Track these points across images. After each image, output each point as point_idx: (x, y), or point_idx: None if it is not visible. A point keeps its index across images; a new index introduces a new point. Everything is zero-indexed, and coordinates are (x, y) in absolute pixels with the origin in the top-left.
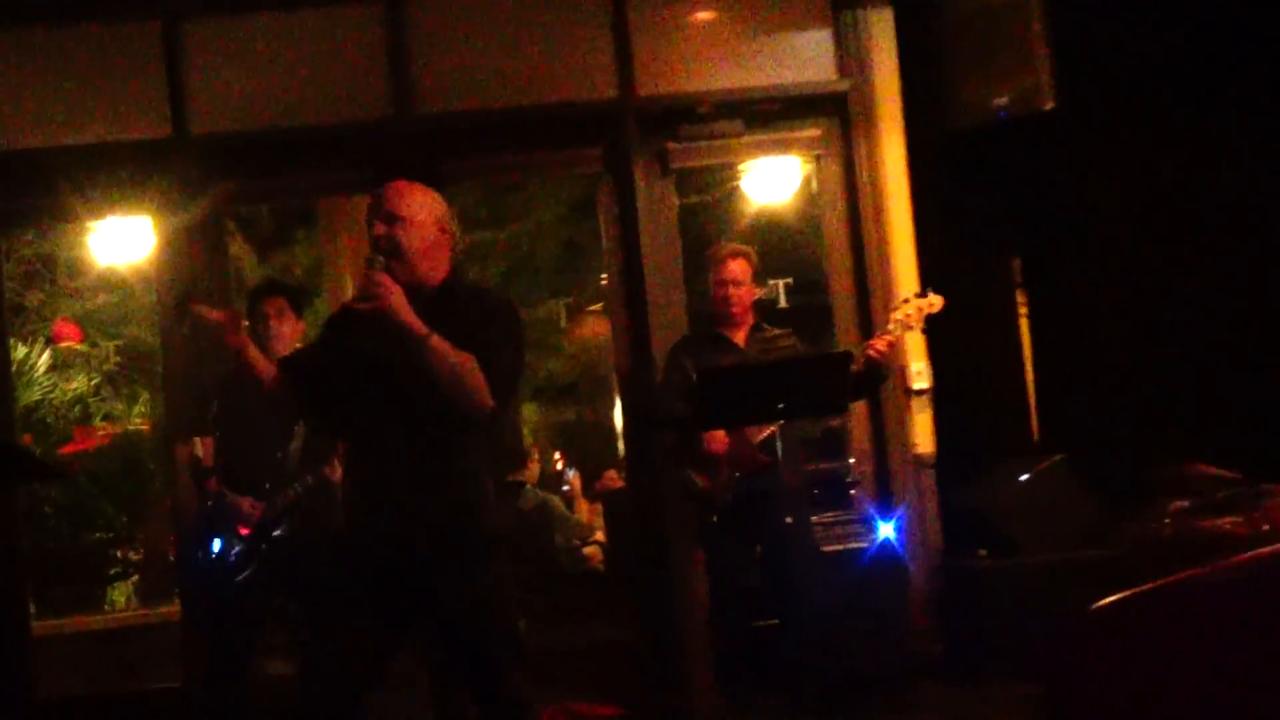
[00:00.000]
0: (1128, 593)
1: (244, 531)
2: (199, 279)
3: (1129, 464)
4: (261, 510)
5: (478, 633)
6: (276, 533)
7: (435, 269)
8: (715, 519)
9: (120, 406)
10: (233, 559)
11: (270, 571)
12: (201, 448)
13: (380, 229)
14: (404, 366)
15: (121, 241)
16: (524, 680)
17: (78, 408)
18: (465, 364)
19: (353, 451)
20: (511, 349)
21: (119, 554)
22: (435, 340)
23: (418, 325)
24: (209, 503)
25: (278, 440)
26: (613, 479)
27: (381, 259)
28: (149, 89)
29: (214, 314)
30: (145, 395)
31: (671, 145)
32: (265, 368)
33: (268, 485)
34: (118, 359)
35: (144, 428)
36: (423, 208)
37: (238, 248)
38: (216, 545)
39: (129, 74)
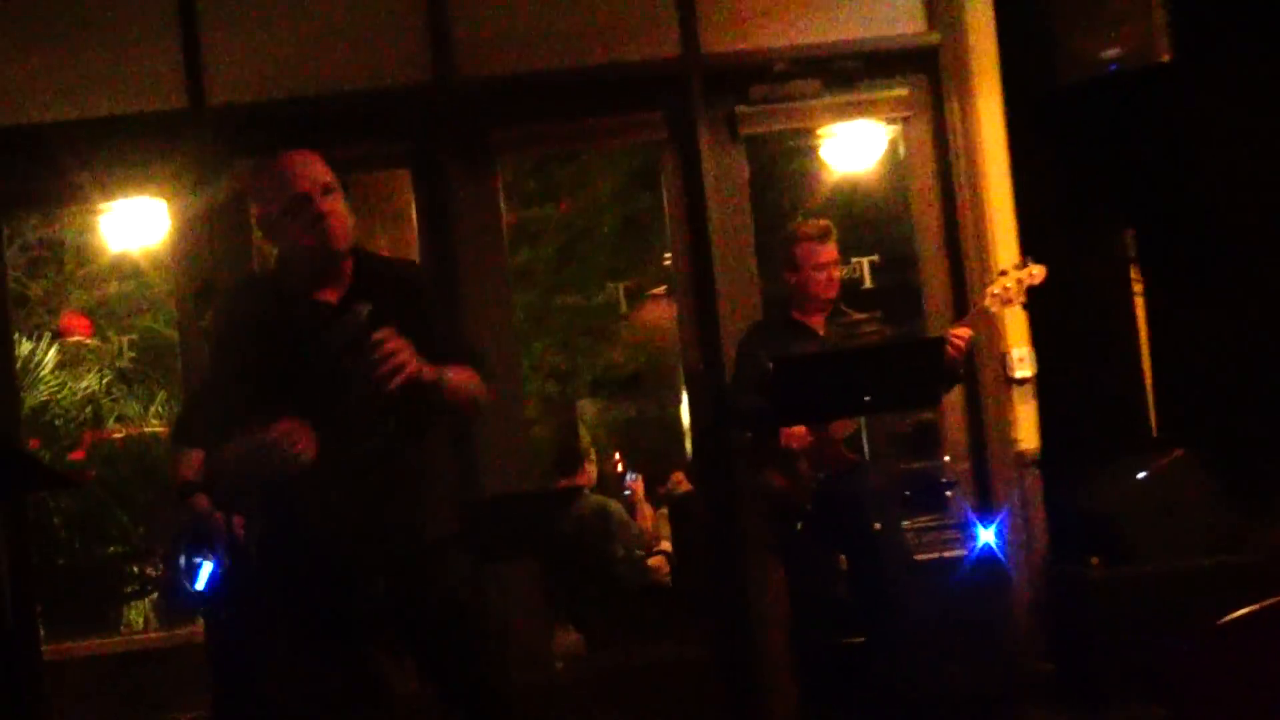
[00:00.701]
0: (1264, 604)
1: (229, 551)
2: (220, 266)
3: (1263, 459)
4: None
5: (449, 643)
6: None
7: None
8: (796, 525)
9: (135, 407)
10: (221, 585)
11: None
12: (189, 463)
13: (323, 202)
14: (362, 377)
15: (135, 225)
16: (509, 682)
17: (89, 408)
18: (469, 380)
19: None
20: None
21: (135, 569)
22: (447, 376)
23: (432, 373)
24: (194, 522)
25: None
26: (679, 482)
27: (365, 309)
28: (162, 56)
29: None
30: (162, 394)
31: (741, 108)
32: None
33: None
34: (132, 354)
35: (161, 430)
36: (319, 170)
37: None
38: (206, 570)
39: (140, 39)
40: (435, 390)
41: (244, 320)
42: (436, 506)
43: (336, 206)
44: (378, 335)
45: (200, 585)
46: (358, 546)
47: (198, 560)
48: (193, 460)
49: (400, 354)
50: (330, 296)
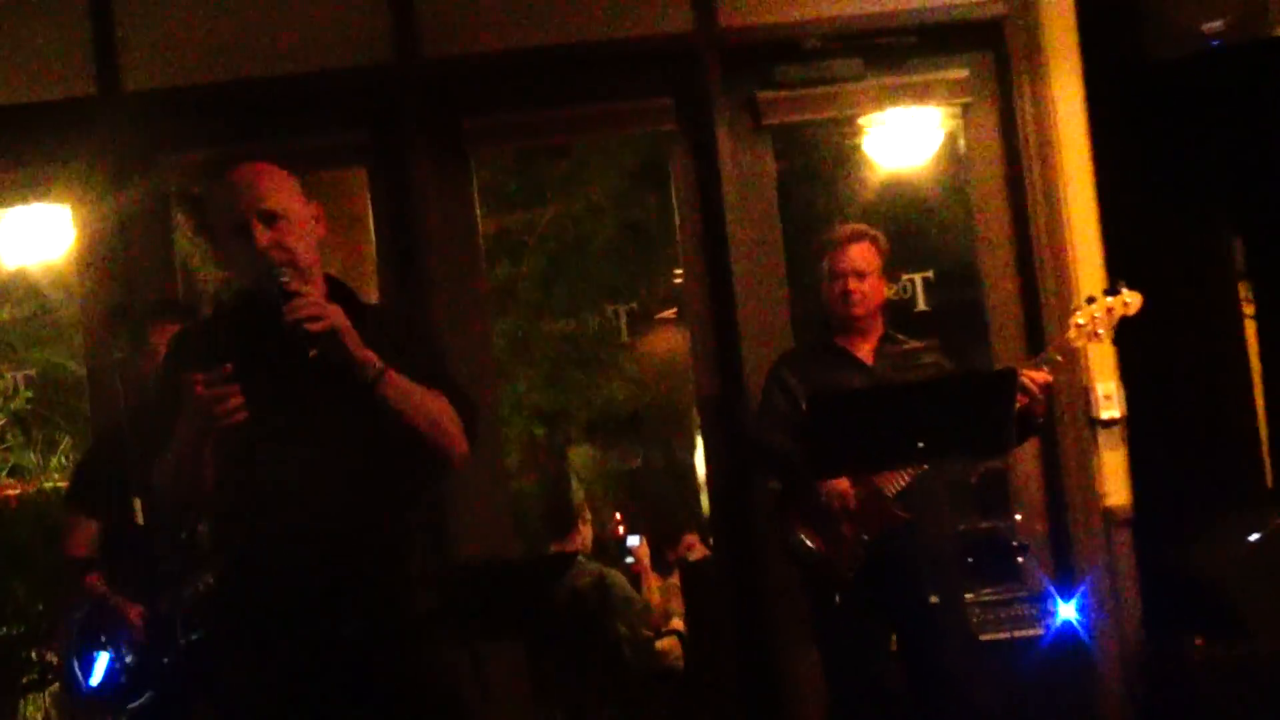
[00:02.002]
0: None
1: (133, 646)
2: (137, 285)
3: None
4: (154, 616)
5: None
6: (186, 639)
7: (318, 277)
8: (835, 598)
9: (33, 458)
10: (123, 679)
11: (182, 691)
12: (82, 536)
13: (263, 236)
14: (329, 410)
15: (31, 236)
16: None
17: None
18: (434, 402)
19: (236, 525)
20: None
21: (34, 655)
22: (393, 375)
23: (371, 356)
24: (87, 607)
25: (180, 517)
26: (693, 546)
27: (287, 269)
28: (66, 31)
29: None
30: (67, 442)
31: (766, 93)
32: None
33: (172, 576)
34: (28, 394)
35: (64, 485)
36: (295, 194)
37: (187, 241)
38: (101, 663)
39: (38, 10)
40: (371, 381)
41: (199, 343)
42: (413, 574)
43: (291, 231)
44: (302, 289)
45: (94, 680)
46: (334, 573)
47: (93, 653)
48: (86, 532)
49: (320, 303)
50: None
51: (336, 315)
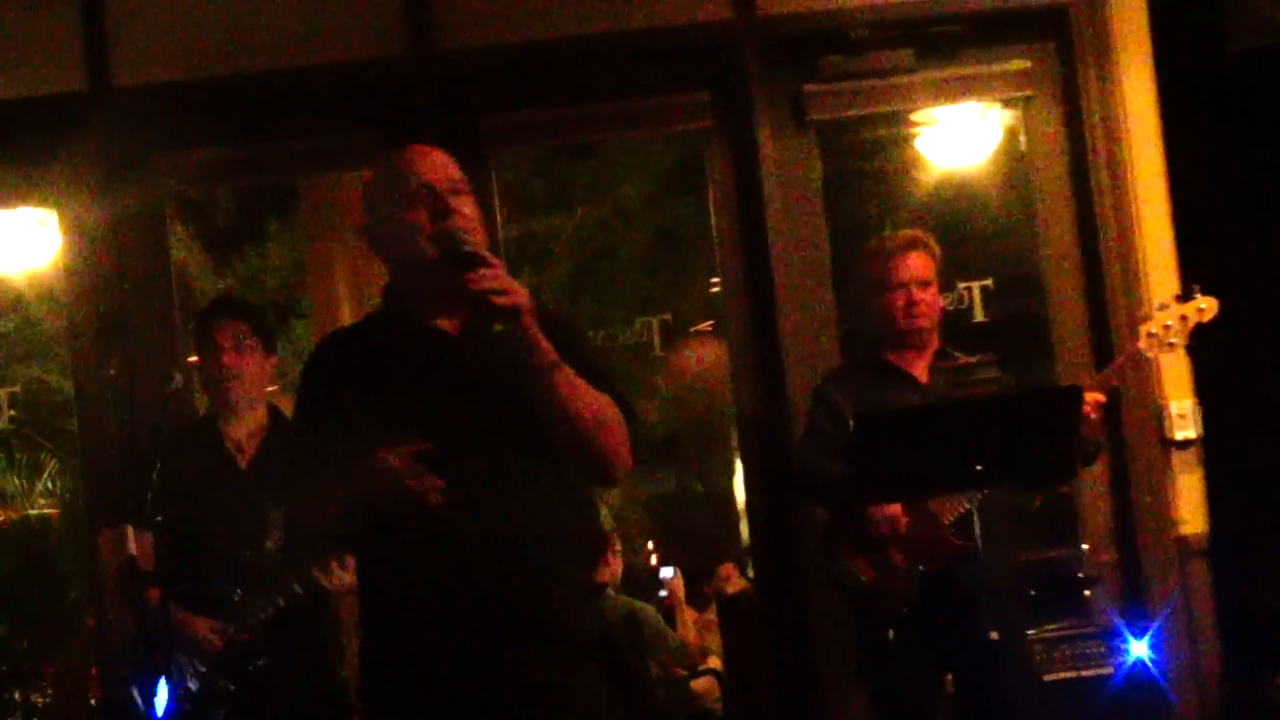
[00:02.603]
0: None
1: (202, 665)
2: (129, 295)
3: None
4: (228, 634)
5: None
6: (252, 665)
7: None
8: (888, 634)
9: (16, 482)
10: (186, 706)
11: None
12: (134, 542)
13: (460, 204)
14: (502, 415)
15: (15, 243)
16: None
17: None
18: (605, 407)
19: (391, 547)
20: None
21: (17, 695)
22: (568, 370)
23: (549, 347)
24: (149, 624)
25: (249, 532)
26: (732, 578)
27: (470, 237)
28: (53, 21)
29: None
30: (53, 465)
31: (810, 87)
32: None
33: (236, 597)
34: (12, 412)
35: (51, 513)
36: (449, 166)
37: (184, 249)
38: (162, 686)
39: (23, 4)
40: (545, 372)
41: (347, 358)
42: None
43: (467, 209)
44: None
45: (159, 709)
46: (503, 594)
47: (153, 672)
48: (145, 546)
49: (509, 282)
50: (448, 325)
51: (523, 293)
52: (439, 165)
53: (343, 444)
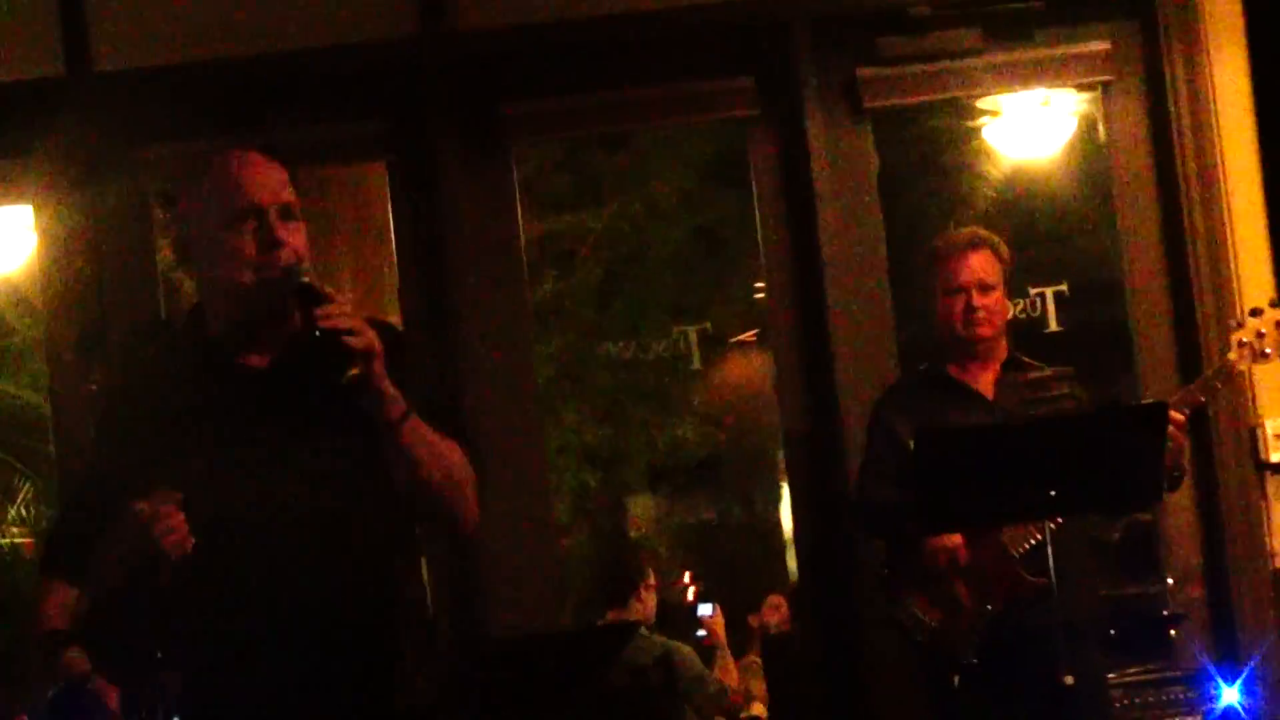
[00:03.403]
0: None
1: None
2: (113, 302)
3: None
4: (134, 699)
5: None
6: None
7: None
8: (952, 679)
9: None
10: None
11: None
12: (58, 603)
13: (282, 230)
14: (320, 461)
15: None
16: None
17: None
18: (452, 455)
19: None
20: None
21: None
22: (416, 420)
23: (399, 396)
24: (61, 688)
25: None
26: (777, 615)
27: (308, 270)
28: (29, 1)
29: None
30: (28, 488)
31: (866, 71)
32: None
33: (157, 658)
34: None
35: (25, 541)
36: (288, 187)
37: (170, 251)
38: None
39: None
40: (394, 424)
41: (147, 386)
42: (411, 659)
43: (297, 238)
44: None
45: None
46: (318, 661)
47: None
48: (63, 598)
49: (358, 320)
50: (258, 360)
51: (371, 333)
52: (270, 185)
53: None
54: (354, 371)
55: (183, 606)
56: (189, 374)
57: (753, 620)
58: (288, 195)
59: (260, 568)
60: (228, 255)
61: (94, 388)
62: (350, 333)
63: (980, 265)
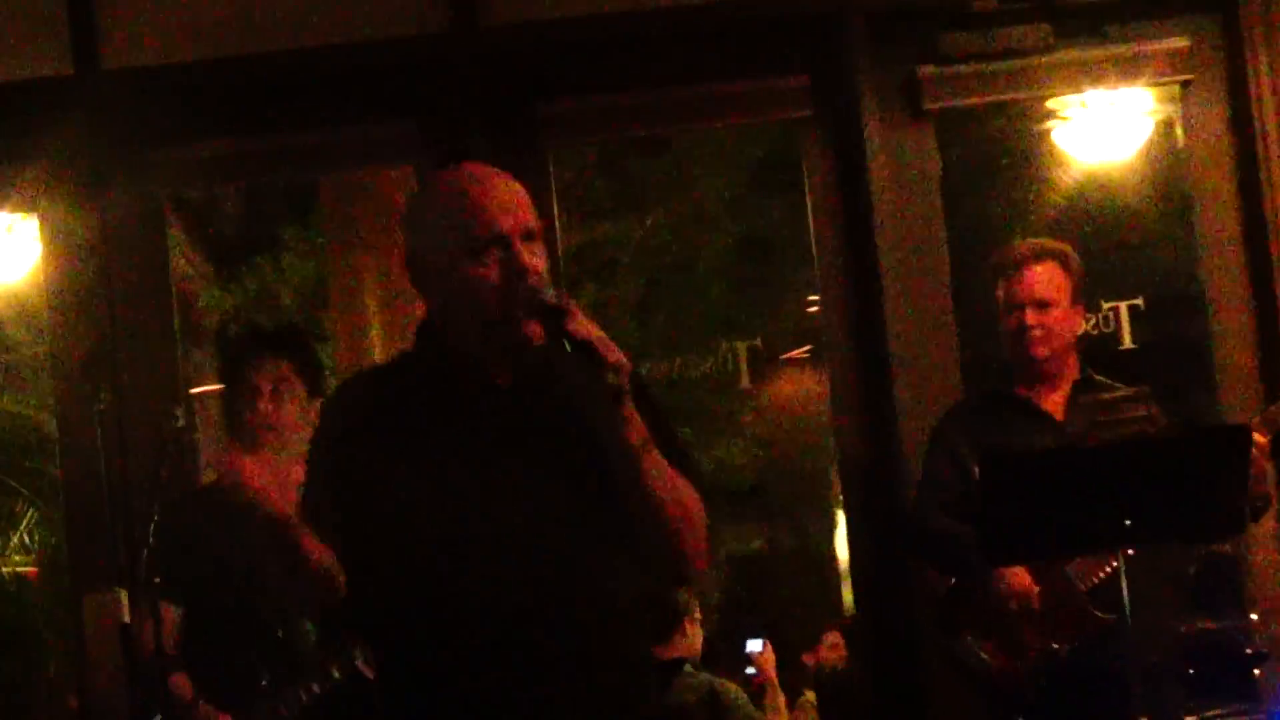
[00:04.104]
0: None
1: None
2: (123, 317)
3: None
4: None
5: None
6: None
7: None
8: None
9: None
10: None
11: None
12: (127, 610)
13: (528, 256)
14: (563, 478)
15: None
16: None
17: None
18: (690, 498)
19: (422, 627)
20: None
21: None
22: (656, 453)
23: (640, 422)
24: (169, 716)
25: (282, 609)
26: (834, 651)
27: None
28: None
29: None
30: (31, 514)
31: (927, 69)
32: (271, 498)
33: (263, 683)
34: None
35: (29, 570)
36: (528, 205)
37: (184, 259)
38: None
39: None
40: (633, 455)
41: (368, 435)
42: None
43: (538, 262)
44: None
45: None
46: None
47: None
48: (168, 622)
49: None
50: (504, 380)
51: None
52: (512, 206)
53: (367, 517)
54: (615, 380)
55: (380, 634)
56: (434, 392)
57: (808, 659)
58: (528, 216)
59: (494, 589)
60: (472, 287)
61: (101, 407)
62: (606, 343)
63: (1040, 280)
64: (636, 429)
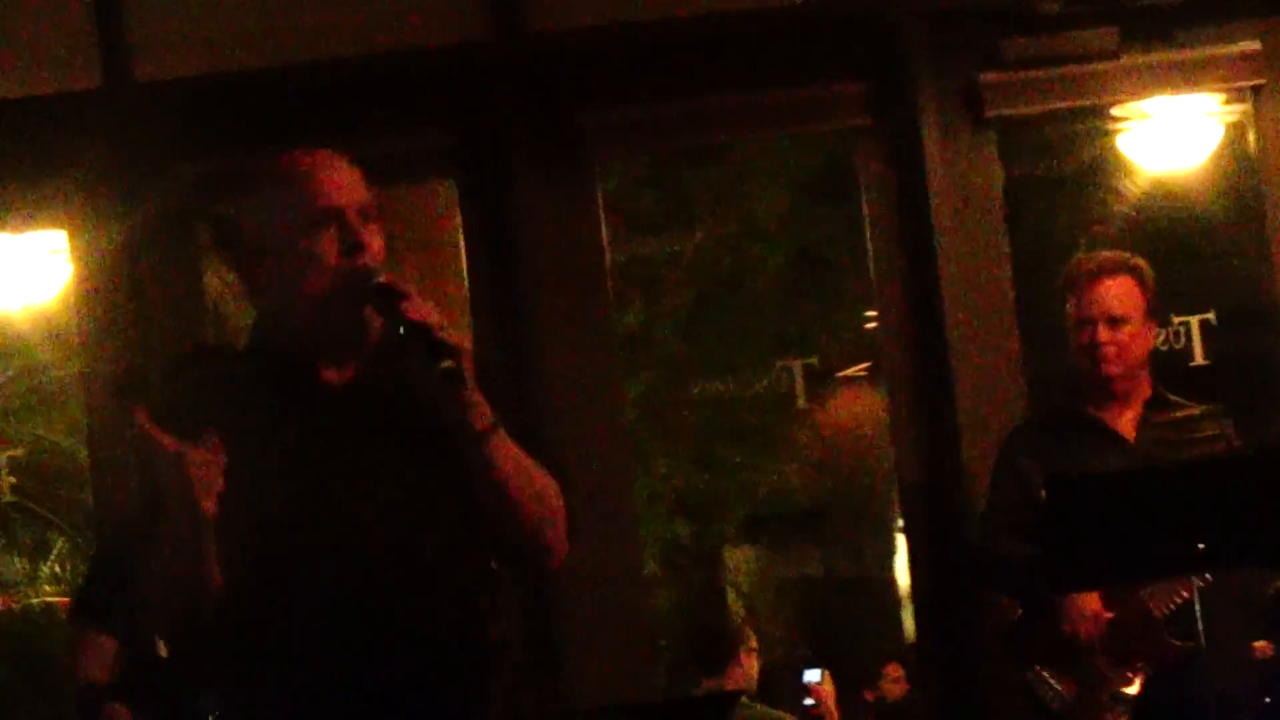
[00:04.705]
0: None
1: None
2: (157, 337)
3: None
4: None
5: None
6: None
7: None
8: None
9: (18, 563)
10: None
11: None
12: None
13: (363, 233)
14: (398, 474)
15: (17, 274)
16: None
17: None
18: (542, 476)
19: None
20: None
21: None
22: (503, 435)
23: (486, 408)
24: None
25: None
26: (895, 681)
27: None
28: (63, 7)
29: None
30: (61, 543)
31: (989, 75)
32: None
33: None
34: (14, 480)
35: (60, 599)
36: (363, 185)
37: (218, 278)
38: None
39: None
40: (477, 438)
41: (199, 411)
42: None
43: (375, 242)
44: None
45: None
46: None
47: None
48: (103, 651)
49: (443, 315)
50: (336, 376)
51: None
52: (349, 184)
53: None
54: (449, 364)
55: (238, 645)
56: (260, 394)
57: (869, 695)
58: (364, 194)
59: (334, 602)
60: (305, 263)
61: (134, 433)
62: (441, 325)
63: (1112, 295)
64: (480, 414)
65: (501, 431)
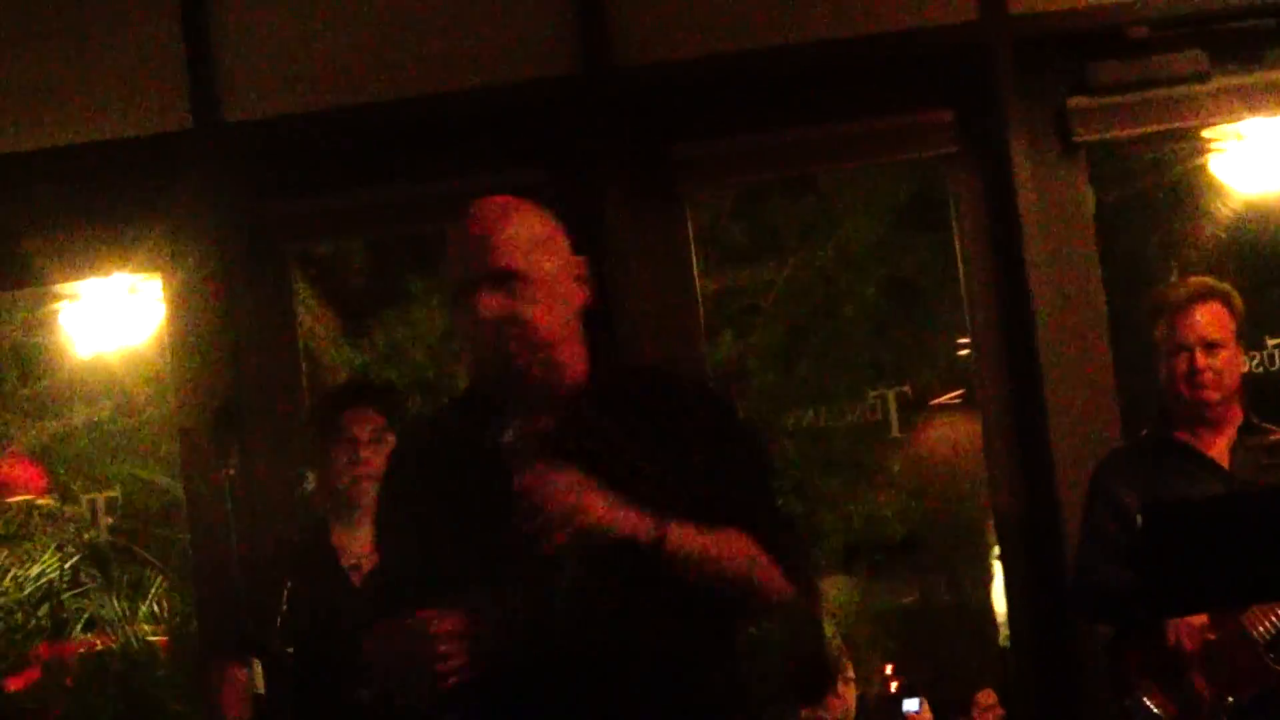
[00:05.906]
0: None
1: None
2: (249, 377)
3: None
4: None
5: None
6: None
7: (575, 353)
8: None
9: (117, 604)
10: None
11: None
12: (233, 690)
13: (490, 301)
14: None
15: (111, 316)
16: None
17: (44, 608)
18: (733, 547)
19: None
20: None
21: None
22: (676, 534)
23: (642, 525)
24: None
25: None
26: (986, 710)
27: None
28: (152, 49)
29: None
30: (159, 582)
31: (1078, 100)
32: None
33: None
34: (111, 521)
35: (159, 640)
36: (542, 244)
37: (311, 315)
38: None
39: (116, 26)
40: (649, 552)
41: (415, 471)
42: None
43: (508, 306)
44: (531, 476)
45: None
46: None
47: None
48: (240, 686)
49: (562, 495)
50: (541, 423)
51: (589, 502)
52: (487, 246)
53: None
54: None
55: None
56: (459, 452)
57: None
58: (500, 258)
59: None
60: (457, 331)
61: (230, 472)
62: (549, 524)
63: (1207, 320)
64: (640, 530)
65: (670, 535)
